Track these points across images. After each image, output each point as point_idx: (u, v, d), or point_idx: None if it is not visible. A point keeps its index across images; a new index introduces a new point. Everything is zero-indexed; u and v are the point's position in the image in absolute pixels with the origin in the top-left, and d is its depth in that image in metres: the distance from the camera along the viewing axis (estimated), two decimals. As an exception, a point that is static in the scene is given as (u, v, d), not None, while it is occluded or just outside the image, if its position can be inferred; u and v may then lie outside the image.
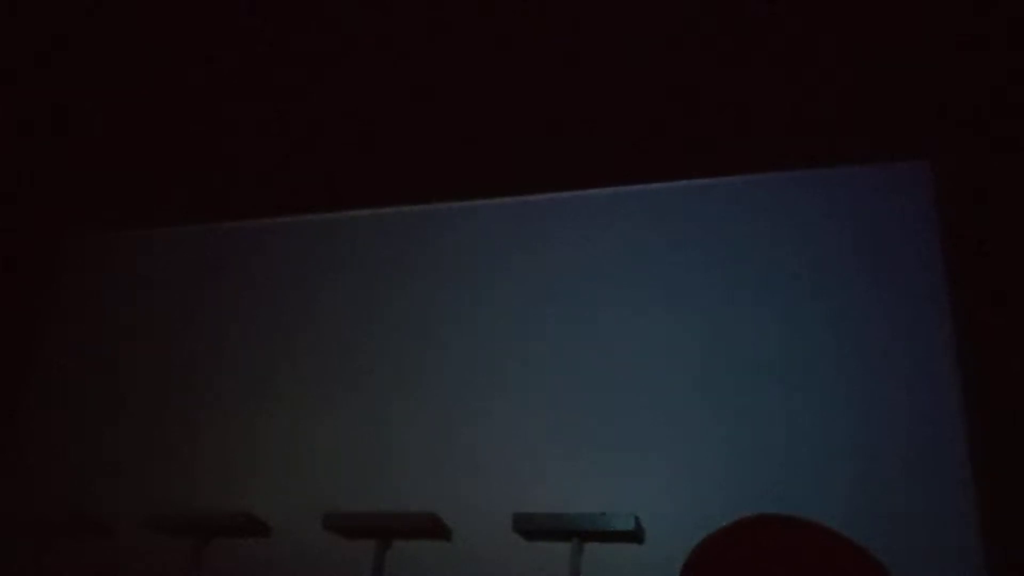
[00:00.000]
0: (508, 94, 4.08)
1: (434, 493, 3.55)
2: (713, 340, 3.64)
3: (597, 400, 3.69)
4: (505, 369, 3.89)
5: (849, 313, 3.54)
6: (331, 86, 4.23)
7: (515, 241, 4.15)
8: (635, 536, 2.76)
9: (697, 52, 3.83)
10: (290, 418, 4.08)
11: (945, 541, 3.00)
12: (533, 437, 3.68)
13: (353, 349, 4.16)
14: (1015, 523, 2.91)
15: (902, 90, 3.71)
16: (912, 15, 3.55)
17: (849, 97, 3.78)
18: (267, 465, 3.98)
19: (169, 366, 4.40)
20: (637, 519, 2.72)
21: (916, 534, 3.03)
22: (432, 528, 3.00)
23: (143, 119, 4.46)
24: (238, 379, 4.25)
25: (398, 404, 3.95)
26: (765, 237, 3.80)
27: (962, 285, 3.40)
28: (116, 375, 4.46)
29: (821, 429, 3.34)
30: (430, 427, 3.85)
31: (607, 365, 3.75)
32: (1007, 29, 3.45)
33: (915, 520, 3.06)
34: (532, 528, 2.89)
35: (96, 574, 3.80)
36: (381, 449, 3.87)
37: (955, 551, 2.97)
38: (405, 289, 4.21)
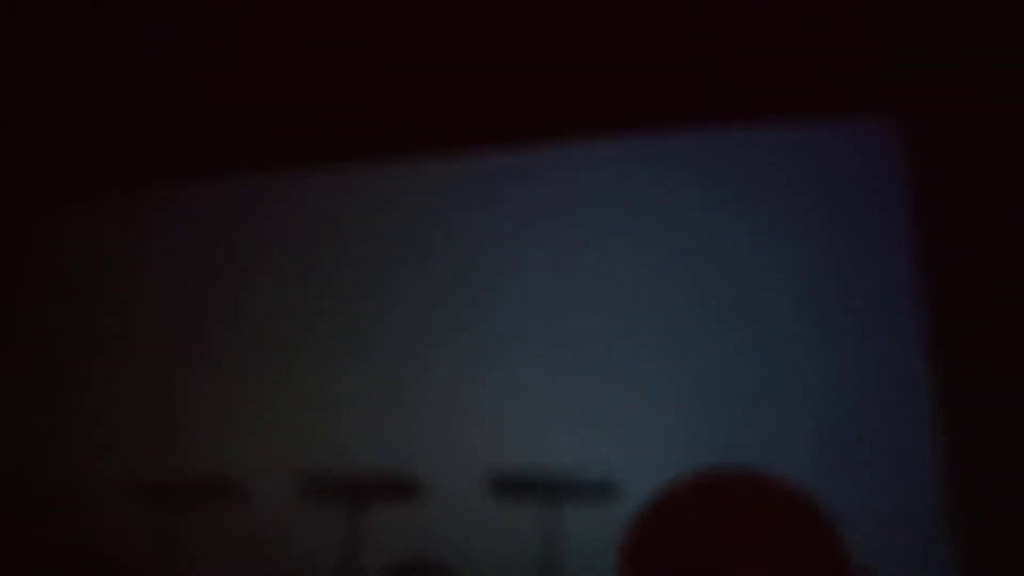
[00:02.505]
0: (492, 39, 4.01)
1: (405, 452, 3.55)
2: (683, 295, 3.65)
3: (572, 356, 3.69)
4: (476, 326, 3.88)
5: (814, 267, 3.56)
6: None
7: (488, 196, 4.12)
8: (609, 492, 2.79)
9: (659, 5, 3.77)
10: (261, 380, 4.05)
11: (908, 493, 3.05)
12: (504, 394, 3.69)
13: (321, 306, 4.13)
14: (980, 471, 2.96)
15: (867, 37, 3.68)
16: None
17: (809, 45, 3.74)
18: (241, 428, 3.96)
19: (149, 331, 4.36)
20: (610, 474, 2.75)
21: (880, 485, 3.07)
22: (405, 486, 3.02)
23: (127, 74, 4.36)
24: (216, 344, 4.21)
25: (366, 363, 3.93)
26: (723, 195, 3.80)
27: (930, 240, 3.43)
28: (95, 338, 4.41)
29: (788, 381, 3.37)
30: (401, 386, 3.84)
31: (582, 321, 3.74)
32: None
33: (880, 471, 3.11)
34: (505, 484, 2.91)
35: (71, 541, 3.79)
36: (349, 409, 3.86)
37: (918, 502, 3.01)
38: (370, 244, 4.18)
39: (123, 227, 4.65)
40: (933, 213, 3.51)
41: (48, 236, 4.81)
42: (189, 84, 4.40)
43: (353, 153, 4.33)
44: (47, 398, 4.35)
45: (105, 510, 3.77)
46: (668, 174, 3.87)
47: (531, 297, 3.82)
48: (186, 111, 4.47)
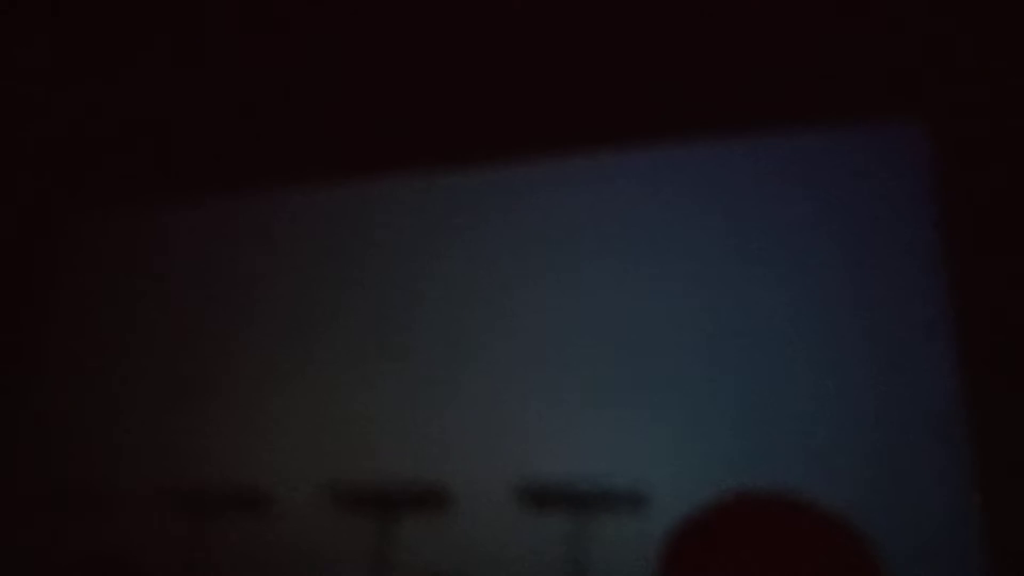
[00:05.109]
0: (501, 53, 4.02)
1: (435, 463, 3.55)
2: (714, 306, 3.63)
3: (601, 369, 3.68)
4: (506, 338, 3.87)
5: (848, 280, 3.53)
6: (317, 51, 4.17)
7: (515, 206, 4.12)
8: (638, 503, 2.78)
9: (679, 9, 3.76)
10: (292, 391, 4.07)
11: (943, 519, 3.02)
12: (534, 406, 3.68)
13: (352, 318, 4.15)
14: (1015, 505, 2.91)
15: (894, 44, 3.64)
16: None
17: (838, 52, 3.71)
18: (269, 438, 3.99)
19: (179, 341, 4.39)
20: (639, 485, 2.74)
21: (913, 508, 3.04)
22: (435, 497, 3.02)
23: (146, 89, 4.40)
24: (244, 354, 4.23)
25: (398, 375, 3.94)
26: (761, 201, 3.78)
27: (957, 247, 3.38)
28: (125, 348, 4.45)
29: (825, 399, 3.34)
30: (431, 397, 3.85)
31: (612, 333, 3.73)
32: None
33: (913, 495, 3.08)
34: (534, 496, 2.91)
35: (102, 548, 3.82)
36: (379, 420, 3.87)
37: (952, 522, 2.98)
38: (399, 257, 4.19)
39: (151, 240, 4.69)
40: (960, 220, 3.46)
41: (80, 249, 4.86)
42: (212, 104, 4.44)
43: (380, 165, 4.35)
44: (78, 408, 4.39)
45: (135, 519, 3.80)
46: (696, 184, 3.86)
47: (562, 310, 3.81)
48: (205, 130, 4.51)
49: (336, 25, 4.05)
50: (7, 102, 4.33)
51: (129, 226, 4.86)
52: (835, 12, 3.63)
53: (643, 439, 3.46)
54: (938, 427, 3.15)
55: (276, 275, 4.39)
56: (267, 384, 4.13)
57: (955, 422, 3.14)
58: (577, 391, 3.66)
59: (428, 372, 3.91)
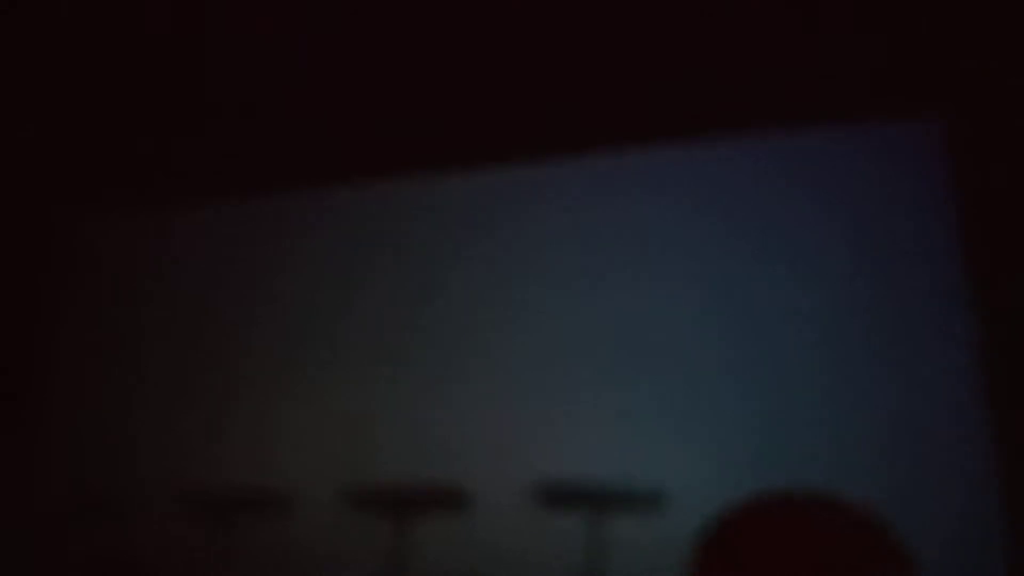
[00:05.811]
0: (508, 55, 4.01)
1: (452, 463, 3.54)
2: (732, 305, 3.61)
3: (619, 367, 3.66)
4: (522, 336, 3.86)
5: (866, 278, 3.50)
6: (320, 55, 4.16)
7: (529, 206, 4.11)
8: (657, 503, 2.76)
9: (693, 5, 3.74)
10: (306, 392, 4.06)
11: (964, 517, 2.99)
12: (551, 405, 3.67)
13: (367, 317, 4.14)
14: None
15: (909, 41, 3.62)
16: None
17: (853, 49, 3.68)
18: (283, 440, 3.98)
19: (192, 343, 4.39)
20: (659, 486, 2.72)
21: (939, 512, 3.02)
22: (451, 498, 3.01)
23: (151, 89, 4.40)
24: (257, 356, 4.23)
25: (412, 375, 3.93)
26: (779, 201, 3.76)
27: (977, 246, 3.35)
28: (138, 351, 4.45)
29: (843, 399, 3.32)
30: (446, 397, 3.84)
31: (629, 332, 3.71)
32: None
33: (939, 497, 3.05)
34: (551, 496, 2.89)
35: (116, 553, 3.82)
36: (394, 421, 3.86)
37: (975, 531, 2.95)
38: (414, 254, 4.18)
39: (163, 243, 4.70)
40: (978, 216, 3.44)
41: (91, 254, 4.87)
42: (224, 108, 4.45)
43: (390, 166, 4.36)
44: (89, 411, 4.40)
45: (148, 522, 3.81)
46: (716, 184, 3.84)
47: (577, 310, 3.79)
48: (214, 133, 4.52)
49: (344, 25, 4.06)
50: (12, 104, 4.34)
51: (141, 229, 4.87)
52: (849, 9, 3.61)
53: (660, 438, 3.43)
54: (958, 425, 3.12)
55: (288, 276, 4.38)
56: (280, 386, 4.12)
57: (976, 420, 3.11)
58: (593, 390, 3.64)
59: (443, 372, 3.89)
